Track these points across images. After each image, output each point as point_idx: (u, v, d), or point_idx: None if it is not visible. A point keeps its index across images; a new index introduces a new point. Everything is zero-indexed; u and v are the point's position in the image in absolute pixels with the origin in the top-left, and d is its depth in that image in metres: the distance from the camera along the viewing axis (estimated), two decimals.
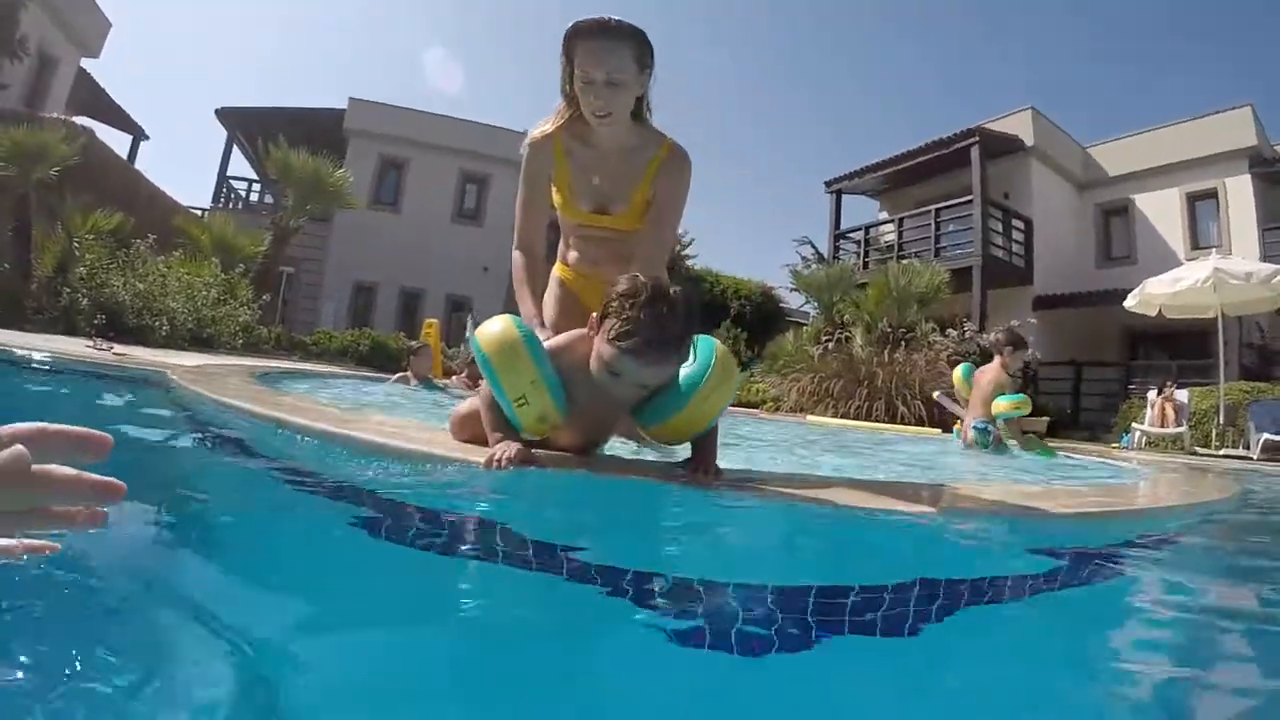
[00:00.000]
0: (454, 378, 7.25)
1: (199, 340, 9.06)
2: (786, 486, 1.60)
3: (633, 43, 1.99)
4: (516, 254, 2.20)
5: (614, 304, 1.52)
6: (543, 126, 2.18)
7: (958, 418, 6.77)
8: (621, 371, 1.51)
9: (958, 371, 5.58)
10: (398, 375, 6.43)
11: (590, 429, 1.82)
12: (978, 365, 5.38)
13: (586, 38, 1.97)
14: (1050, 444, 5.73)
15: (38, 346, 4.51)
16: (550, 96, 2.22)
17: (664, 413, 1.63)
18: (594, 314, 1.61)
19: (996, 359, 4.96)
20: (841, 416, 9.29)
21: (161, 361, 4.32)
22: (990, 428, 4.69)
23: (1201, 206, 15.52)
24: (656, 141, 2.18)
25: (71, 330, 7.51)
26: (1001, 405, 4.67)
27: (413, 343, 7.74)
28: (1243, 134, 14.74)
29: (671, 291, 1.53)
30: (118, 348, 5.10)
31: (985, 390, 4.82)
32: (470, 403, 1.94)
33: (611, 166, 2.17)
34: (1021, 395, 4.79)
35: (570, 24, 1.99)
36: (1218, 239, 14.48)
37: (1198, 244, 15.06)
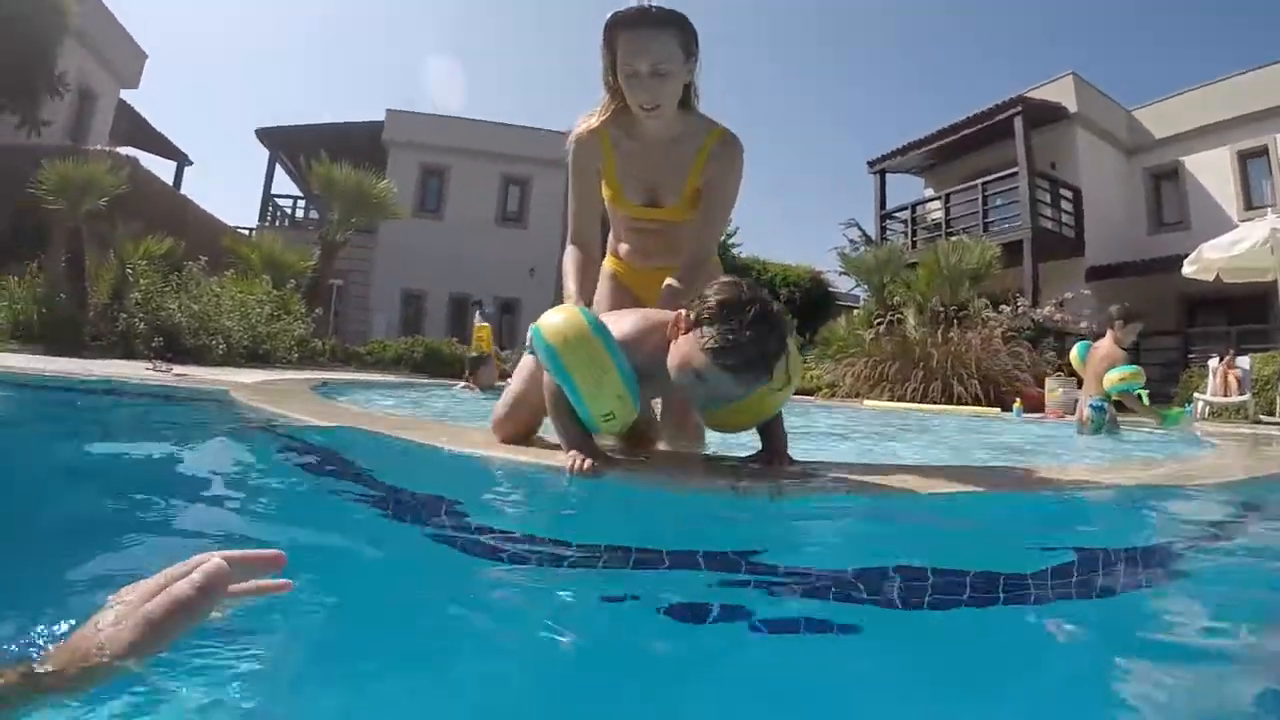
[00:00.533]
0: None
1: (255, 356, 9.27)
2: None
3: (676, 29, 1.90)
4: (570, 248, 2.13)
5: (714, 310, 1.47)
6: (588, 121, 2.11)
7: (1016, 395, 6.68)
8: (711, 382, 1.47)
9: (1074, 351, 5.50)
10: (462, 384, 6.56)
11: (645, 421, 1.83)
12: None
13: (627, 28, 1.89)
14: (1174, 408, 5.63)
15: (99, 372, 4.64)
16: (579, 96, 2.21)
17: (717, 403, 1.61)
18: (680, 312, 1.55)
19: (1109, 333, 4.90)
20: (898, 399, 9.17)
21: (221, 379, 4.42)
22: (1106, 406, 4.61)
23: (1254, 164, 14.96)
24: (705, 129, 2.08)
25: (130, 354, 7.75)
26: (1113, 378, 4.60)
27: (473, 353, 7.93)
28: None
29: (774, 309, 1.51)
30: (177, 368, 5.24)
31: (1099, 367, 4.80)
32: (507, 398, 1.98)
33: (660, 158, 2.09)
34: (1134, 366, 4.70)
35: (610, 14, 1.92)
36: (1272, 197, 13.88)
37: (1251, 204, 14.53)
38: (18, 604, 0.78)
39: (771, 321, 1.48)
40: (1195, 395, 10.23)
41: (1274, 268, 9.47)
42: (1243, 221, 12.59)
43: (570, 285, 2.00)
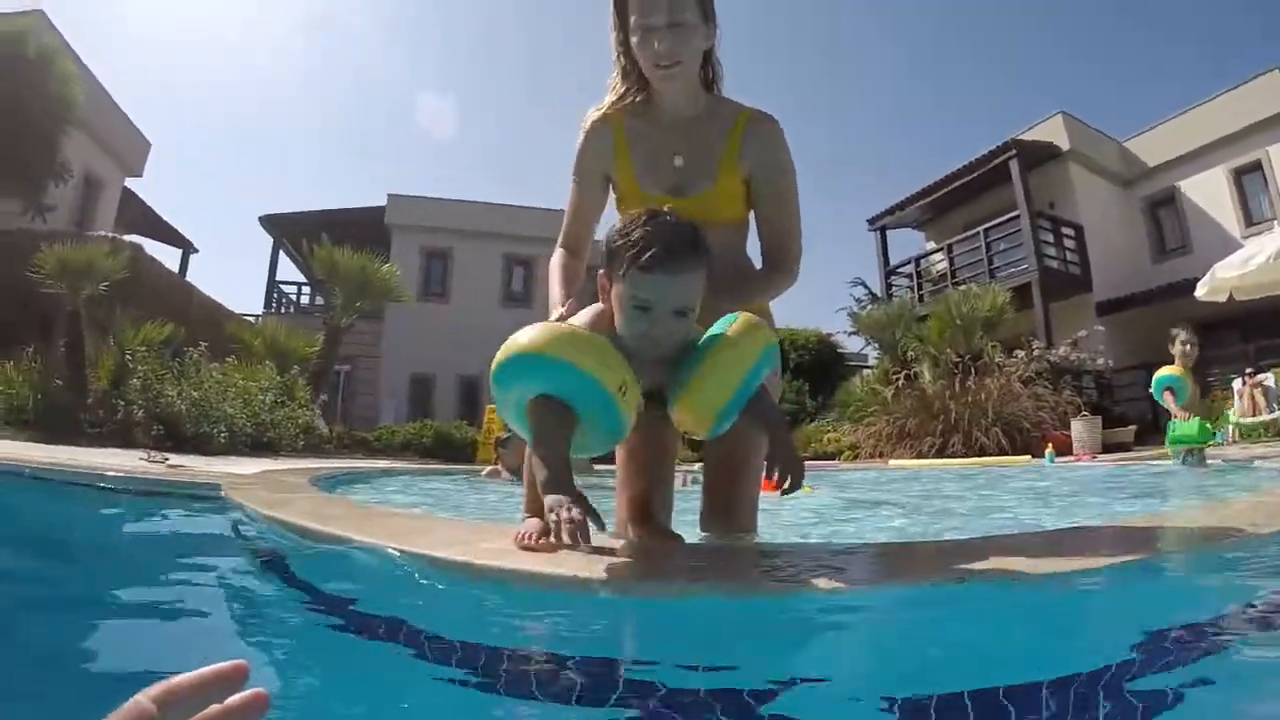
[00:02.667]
0: (500, 471, 7.05)
1: (259, 445, 9.03)
2: None
3: None
4: (558, 251, 1.93)
5: (614, 244, 1.39)
6: (598, 109, 1.89)
7: (1045, 440, 6.76)
8: (647, 297, 1.36)
9: (1156, 383, 5.58)
10: (488, 469, 6.10)
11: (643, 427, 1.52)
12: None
13: None
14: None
15: (85, 462, 4.47)
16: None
17: (684, 376, 1.39)
18: (599, 275, 1.45)
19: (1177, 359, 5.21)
20: (919, 456, 8.98)
21: (216, 470, 4.24)
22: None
23: (1249, 180, 15.00)
24: (734, 110, 1.85)
25: (129, 443, 7.56)
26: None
27: (501, 434, 7.20)
28: (1277, 96, 14.19)
29: (665, 210, 1.42)
30: (172, 458, 5.07)
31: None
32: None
33: (683, 140, 1.84)
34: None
35: None
36: (1271, 211, 13.97)
37: (1251, 220, 14.57)
38: None
39: (667, 214, 1.40)
40: (1229, 414, 10.01)
41: None
42: (1245, 239, 12.56)
43: (556, 290, 1.82)
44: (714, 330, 1.44)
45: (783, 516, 1.74)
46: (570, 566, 1.17)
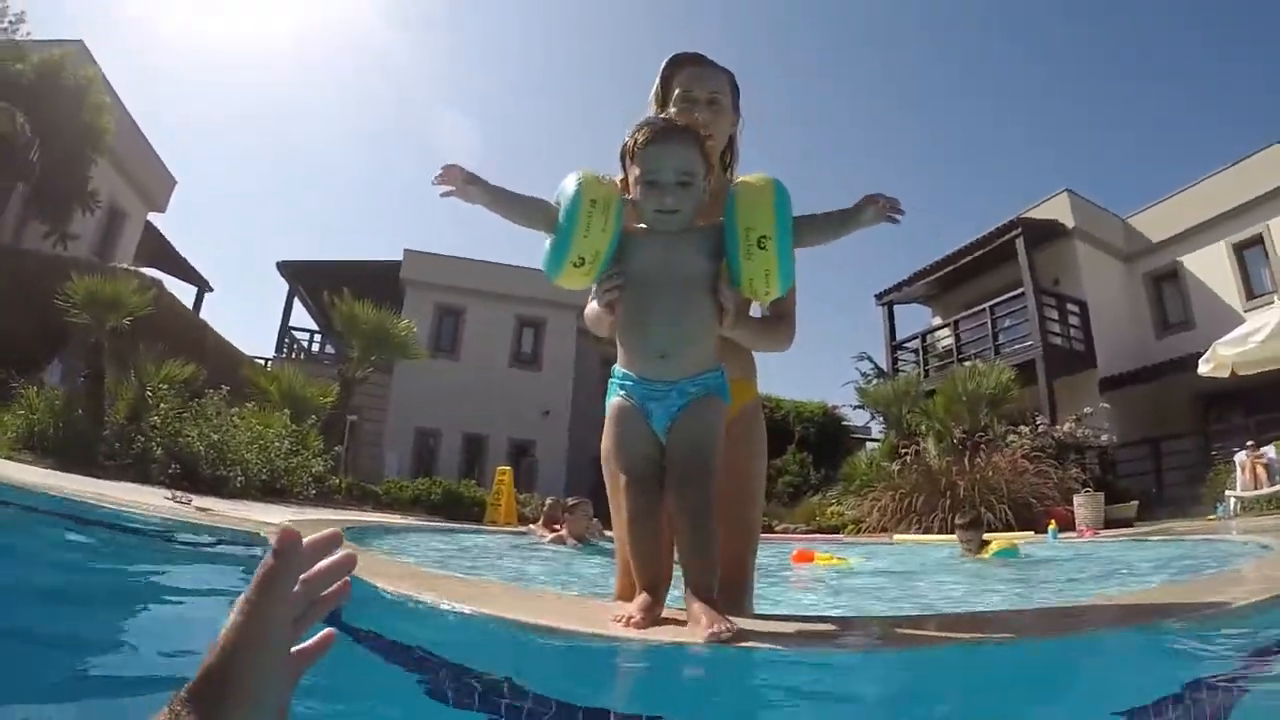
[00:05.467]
0: (531, 526, 6.92)
1: (272, 491, 9.10)
2: None
3: (729, 77, 2.01)
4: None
5: (624, 145, 1.67)
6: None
7: (1049, 516, 6.95)
8: (650, 169, 1.60)
9: None
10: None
11: (663, 301, 1.60)
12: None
13: (688, 64, 1.98)
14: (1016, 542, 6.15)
15: (115, 497, 4.55)
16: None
17: (733, 257, 1.59)
18: (621, 181, 1.70)
19: None
20: (925, 531, 9.03)
21: (244, 515, 4.34)
22: None
23: (1250, 254, 15.23)
24: None
25: (145, 478, 7.64)
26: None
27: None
28: (1278, 170, 14.49)
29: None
30: (196, 500, 5.17)
31: None
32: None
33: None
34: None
35: (669, 57, 2.01)
36: (1272, 284, 14.16)
37: (1253, 294, 14.77)
38: None
39: (667, 118, 1.71)
40: (1226, 492, 10.04)
41: None
42: (1247, 312, 12.74)
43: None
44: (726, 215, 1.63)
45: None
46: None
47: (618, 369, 1.67)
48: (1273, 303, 10.51)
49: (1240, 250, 15.30)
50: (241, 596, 0.56)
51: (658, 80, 2.01)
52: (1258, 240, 14.94)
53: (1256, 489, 9.77)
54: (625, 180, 1.69)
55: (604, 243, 1.59)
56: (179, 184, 19.75)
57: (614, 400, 1.64)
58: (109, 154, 14.70)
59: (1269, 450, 10.08)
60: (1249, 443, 10.44)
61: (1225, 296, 15.28)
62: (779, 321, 1.92)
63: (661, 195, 1.59)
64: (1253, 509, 9.53)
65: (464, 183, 1.59)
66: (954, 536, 6.31)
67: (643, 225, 1.66)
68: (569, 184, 1.62)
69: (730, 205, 1.61)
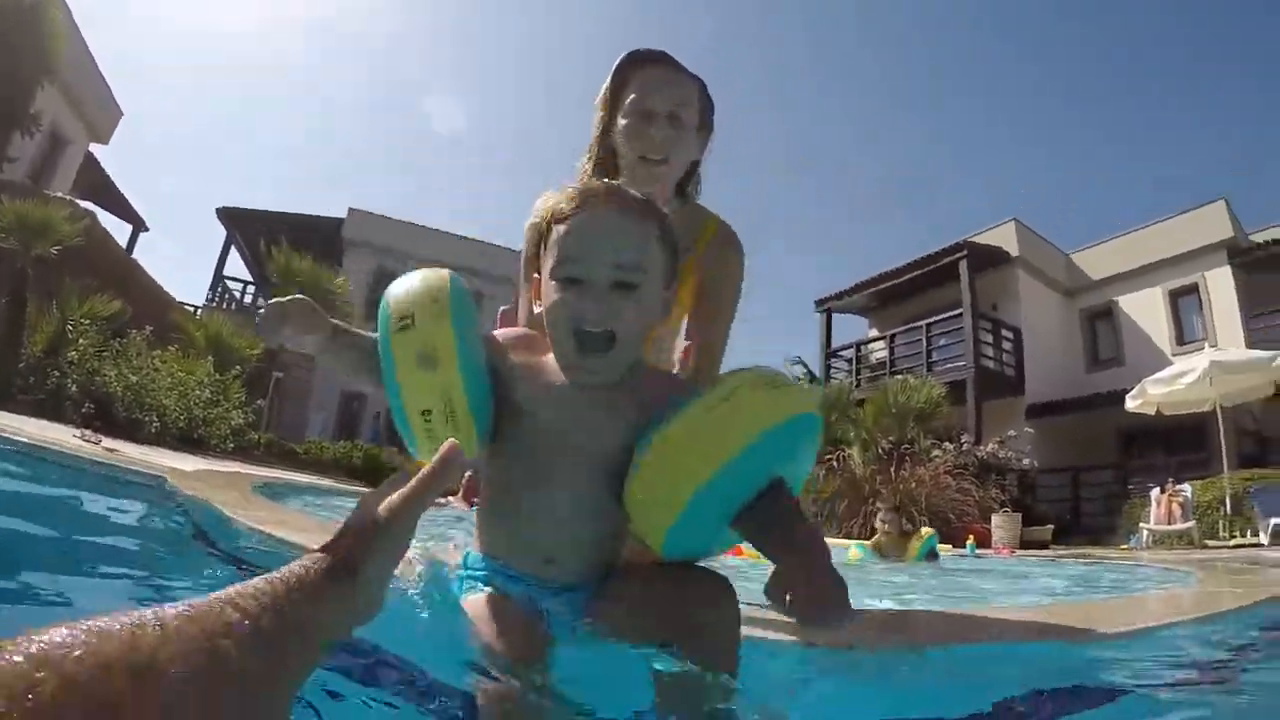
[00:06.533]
0: (450, 499, 6.79)
1: (189, 440, 8.79)
2: None
3: (699, 87, 1.65)
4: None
5: (534, 219, 1.29)
6: (554, 200, 1.30)
7: (968, 532, 7.45)
8: (574, 254, 1.01)
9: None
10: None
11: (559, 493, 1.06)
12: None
13: (649, 65, 1.62)
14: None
15: (23, 430, 4.29)
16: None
17: (643, 441, 0.99)
18: (524, 284, 1.30)
19: None
20: (846, 536, 9.19)
21: (154, 460, 4.11)
22: None
23: (1184, 302, 15.85)
24: (702, 216, 1.75)
25: (58, 416, 7.23)
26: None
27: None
28: (1218, 227, 15.16)
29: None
30: (106, 441, 4.90)
31: None
32: None
33: None
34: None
35: (627, 53, 1.65)
36: (1203, 332, 14.76)
37: (1183, 339, 15.39)
38: None
39: (613, 186, 1.10)
40: (1140, 525, 10.46)
41: (1213, 399, 10.01)
42: (1176, 356, 13.32)
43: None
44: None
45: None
46: None
47: (474, 555, 1.13)
48: (1202, 349, 11.00)
49: (1176, 297, 15.91)
50: (375, 493, 0.63)
51: (608, 82, 1.66)
52: (1193, 289, 15.55)
53: (1170, 524, 10.21)
54: (534, 276, 1.12)
55: (450, 375, 1.00)
56: (125, 117, 18.83)
57: (473, 597, 1.05)
58: (57, 79, 13.88)
59: (1185, 489, 10.53)
60: (1170, 480, 10.91)
61: (1156, 339, 15.88)
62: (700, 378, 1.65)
63: (581, 299, 1.01)
64: (1163, 543, 9.98)
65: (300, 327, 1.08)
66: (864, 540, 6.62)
67: (549, 357, 1.10)
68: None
69: (694, 397, 1.01)
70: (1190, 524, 9.95)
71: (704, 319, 1.74)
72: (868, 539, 6.85)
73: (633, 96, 1.60)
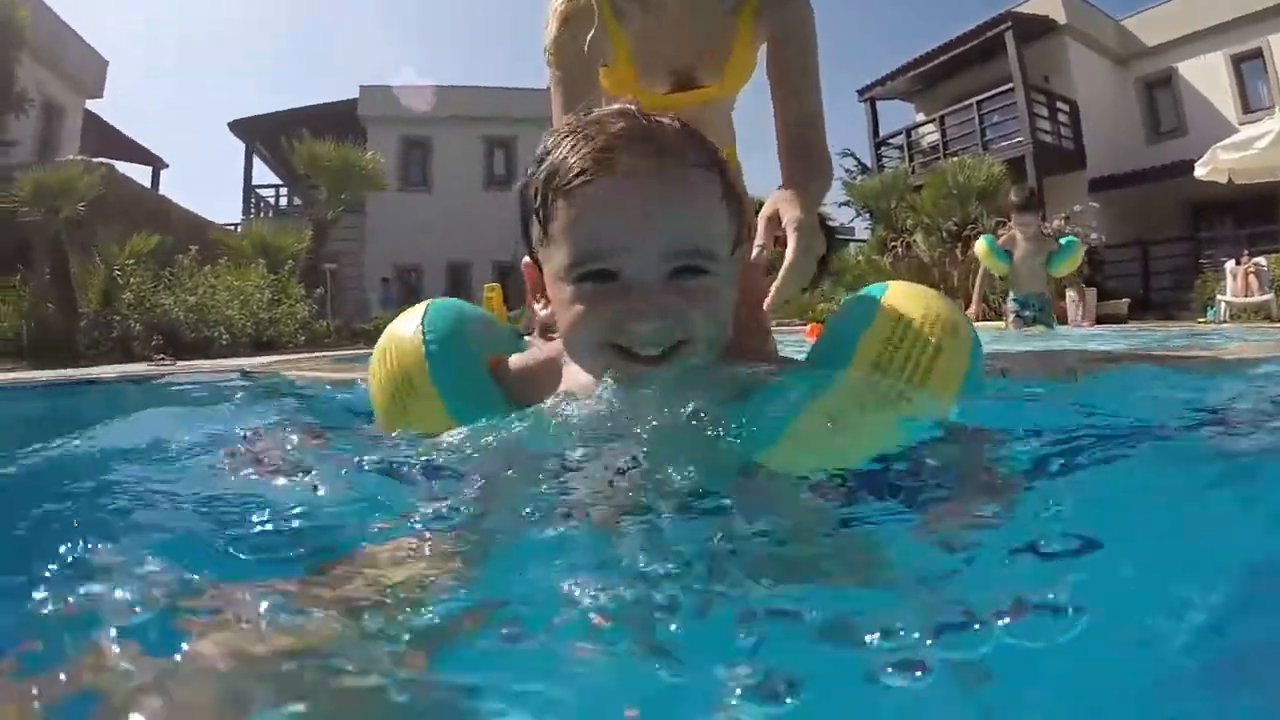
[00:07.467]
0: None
1: (261, 344, 9.02)
2: None
3: None
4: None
5: (532, 179, 0.86)
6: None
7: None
8: (597, 238, 0.77)
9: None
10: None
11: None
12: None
13: None
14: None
15: (101, 375, 4.38)
16: None
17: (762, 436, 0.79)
18: (524, 266, 0.98)
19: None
20: None
21: (226, 367, 4.19)
22: None
23: (1248, 67, 14.80)
24: None
25: (129, 357, 7.43)
26: None
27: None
28: None
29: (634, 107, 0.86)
30: (180, 363, 5.01)
31: None
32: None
33: (686, 26, 1.52)
34: None
35: None
36: (1270, 99, 13.79)
37: (1249, 107, 14.44)
38: None
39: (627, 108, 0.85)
40: (1217, 297, 10.13)
41: None
42: (1242, 125, 12.42)
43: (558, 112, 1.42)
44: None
45: None
46: None
47: None
48: (1273, 114, 10.18)
49: (1239, 62, 14.87)
50: None
51: None
52: (1257, 54, 14.50)
53: (1247, 296, 9.85)
54: (531, 268, 0.92)
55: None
56: (111, 64, 18.45)
57: None
58: (29, 48, 13.46)
59: (1260, 261, 10.14)
60: (1245, 251, 10.45)
61: (1220, 107, 14.91)
62: (810, 150, 1.44)
63: (623, 304, 0.77)
64: (1240, 316, 9.67)
65: None
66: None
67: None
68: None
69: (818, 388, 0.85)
70: (1269, 296, 9.67)
71: (795, 76, 1.49)
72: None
73: None
